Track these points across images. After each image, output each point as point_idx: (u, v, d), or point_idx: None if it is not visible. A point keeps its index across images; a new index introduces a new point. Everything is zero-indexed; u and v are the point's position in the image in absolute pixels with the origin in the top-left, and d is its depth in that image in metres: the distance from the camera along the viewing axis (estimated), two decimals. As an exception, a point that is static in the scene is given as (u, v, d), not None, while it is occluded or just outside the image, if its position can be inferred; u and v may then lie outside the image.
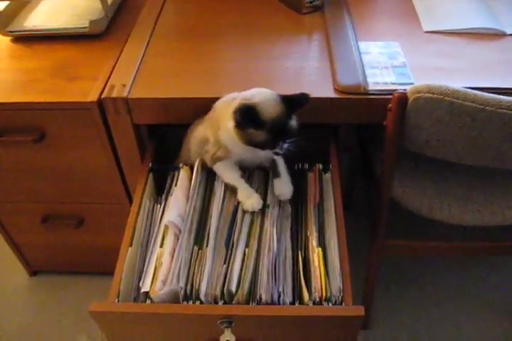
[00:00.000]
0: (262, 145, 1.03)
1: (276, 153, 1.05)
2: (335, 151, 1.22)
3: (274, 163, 1.15)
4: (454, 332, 1.59)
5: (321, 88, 1.18)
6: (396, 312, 1.65)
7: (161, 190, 1.18)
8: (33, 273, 1.79)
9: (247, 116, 0.99)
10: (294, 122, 1.03)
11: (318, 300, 0.96)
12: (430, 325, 1.62)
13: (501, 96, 0.97)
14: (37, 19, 1.44)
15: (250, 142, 1.03)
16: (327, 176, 1.18)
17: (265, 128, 1.00)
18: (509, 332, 1.59)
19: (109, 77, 1.24)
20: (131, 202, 1.25)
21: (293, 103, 1.02)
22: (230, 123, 1.03)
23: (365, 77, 1.19)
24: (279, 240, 1.03)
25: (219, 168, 1.13)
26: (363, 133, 1.49)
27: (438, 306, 1.66)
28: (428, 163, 1.32)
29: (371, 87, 1.17)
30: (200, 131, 1.16)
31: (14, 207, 1.50)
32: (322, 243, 1.05)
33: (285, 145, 1.03)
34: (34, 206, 1.49)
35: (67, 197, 1.45)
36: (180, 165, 1.19)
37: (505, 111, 0.97)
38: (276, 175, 1.14)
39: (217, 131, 1.09)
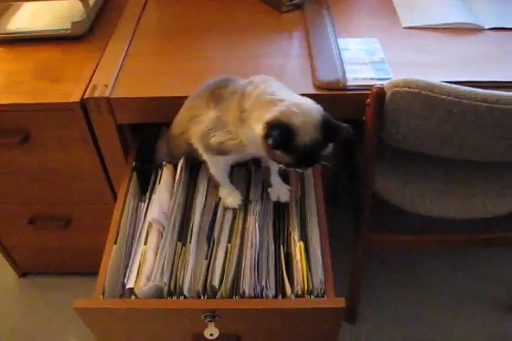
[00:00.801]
0: (285, 164, 0.95)
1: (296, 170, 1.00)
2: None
3: (267, 170, 1.16)
4: (441, 323, 1.61)
5: (301, 84, 1.19)
6: (383, 306, 1.66)
7: (145, 188, 1.19)
8: (22, 274, 1.79)
9: (280, 139, 0.89)
10: (327, 150, 0.94)
11: (300, 293, 0.97)
12: (417, 317, 1.63)
13: (476, 89, 0.99)
14: (20, 22, 1.45)
15: (274, 157, 0.95)
16: (308, 171, 1.19)
17: (295, 153, 0.92)
18: (495, 322, 1.61)
19: (91, 78, 1.25)
20: (116, 201, 1.26)
21: (333, 131, 0.93)
22: (259, 129, 0.92)
23: (344, 73, 1.21)
24: (261, 235, 1.04)
25: (214, 161, 1.10)
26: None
27: (424, 299, 1.68)
28: (410, 158, 1.34)
29: (350, 83, 1.18)
30: (209, 115, 1.05)
31: (1, 209, 1.50)
32: (304, 237, 1.06)
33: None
34: (21, 208, 1.50)
35: (54, 198, 1.46)
36: (164, 163, 1.20)
37: (480, 103, 0.99)
38: (269, 184, 1.14)
39: (240, 125, 0.98)
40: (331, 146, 0.94)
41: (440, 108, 1.02)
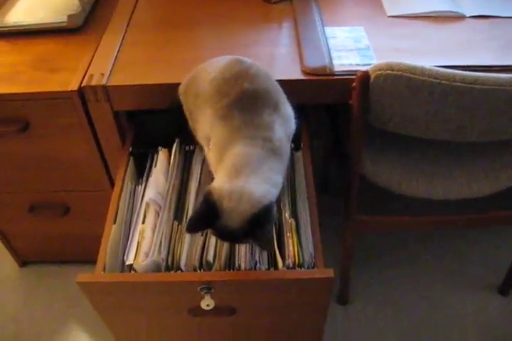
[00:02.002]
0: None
1: None
2: (305, 131, 1.29)
3: None
4: (432, 304, 1.67)
5: (289, 71, 1.24)
6: (374, 288, 1.72)
7: (142, 173, 1.24)
8: (23, 263, 1.84)
9: (201, 215, 0.91)
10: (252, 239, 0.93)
11: (291, 266, 1.02)
12: (408, 298, 1.69)
13: (455, 71, 1.04)
14: (16, 16, 1.48)
15: None
16: (298, 154, 1.24)
17: (215, 230, 0.92)
18: (484, 303, 1.67)
19: (88, 67, 1.30)
20: (114, 187, 1.31)
21: (259, 228, 0.89)
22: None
23: (330, 59, 1.26)
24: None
25: None
26: (333, 114, 1.56)
27: (415, 281, 1.74)
28: (397, 141, 1.39)
29: (337, 69, 1.23)
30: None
31: (1, 198, 1.55)
32: (294, 215, 1.11)
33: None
34: (20, 196, 1.54)
35: (53, 186, 1.50)
36: (159, 148, 1.25)
37: (459, 84, 1.04)
38: None
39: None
40: (262, 234, 0.90)
41: (422, 89, 1.07)
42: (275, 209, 0.91)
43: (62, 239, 1.70)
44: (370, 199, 1.48)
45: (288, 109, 1.06)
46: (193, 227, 0.92)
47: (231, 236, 0.91)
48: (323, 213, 1.12)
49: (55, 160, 1.41)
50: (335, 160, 1.66)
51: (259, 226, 0.88)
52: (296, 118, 1.08)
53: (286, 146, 1.02)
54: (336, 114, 1.57)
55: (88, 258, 1.71)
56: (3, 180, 1.48)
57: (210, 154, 1.01)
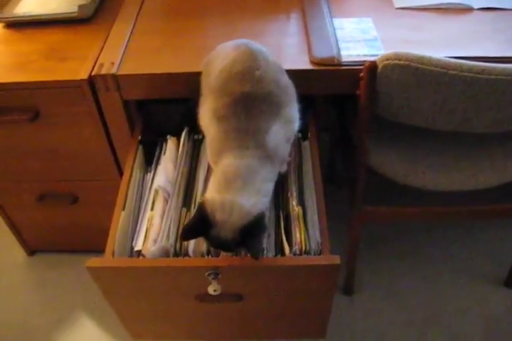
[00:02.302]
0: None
1: None
2: (313, 122, 1.30)
3: None
4: (436, 295, 1.68)
5: (298, 61, 1.25)
6: (380, 278, 1.73)
7: (150, 162, 1.26)
8: (31, 252, 1.86)
9: (195, 225, 0.95)
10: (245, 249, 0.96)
11: (298, 253, 1.04)
12: (413, 289, 1.70)
13: (462, 61, 1.05)
14: (27, 6, 1.50)
15: None
16: (306, 143, 1.26)
17: (208, 240, 0.96)
18: (488, 295, 1.67)
19: (98, 57, 1.31)
20: (122, 176, 1.32)
21: (250, 239, 0.92)
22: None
23: (338, 50, 1.27)
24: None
25: None
26: (340, 107, 1.57)
27: (420, 272, 1.75)
28: (404, 132, 1.40)
29: (344, 59, 1.24)
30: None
31: (11, 187, 1.57)
32: (302, 202, 1.12)
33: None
34: (30, 185, 1.56)
35: (61, 175, 1.52)
36: (168, 136, 1.27)
37: (466, 74, 1.05)
38: None
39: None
40: (252, 243, 0.92)
41: (429, 79, 1.08)
42: (266, 218, 0.95)
43: (70, 228, 1.72)
44: (376, 190, 1.50)
45: (292, 111, 1.07)
46: (188, 236, 0.97)
47: (224, 246, 0.95)
48: (329, 203, 1.13)
49: (64, 149, 1.43)
50: (341, 151, 1.67)
51: (250, 236, 0.91)
52: (300, 118, 1.09)
53: (284, 148, 1.04)
54: (343, 107, 1.58)
55: (96, 247, 1.72)
56: (13, 169, 1.50)
57: (207, 149, 1.05)
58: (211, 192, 0.96)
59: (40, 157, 1.46)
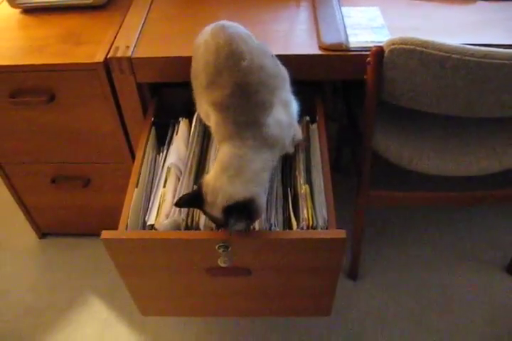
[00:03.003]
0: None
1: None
2: (321, 106, 1.34)
3: None
4: (440, 282, 1.72)
5: (307, 47, 1.29)
6: (385, 264, 1.77)
7: (163, 144, 1.30)
8: (42, 235, 1.90)
9: (192, 200, 1.04)
10: (238, 227, 1.01)
11: (305, 228, 1.07)
12: (417, 276, 1.74)
13: (466, 45, 1.09)
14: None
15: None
16: (314, 126, 1.29)
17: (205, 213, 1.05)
18: (492, 282, 1.71)
19: (113, 41, 1.36)
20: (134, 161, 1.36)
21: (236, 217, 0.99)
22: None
23: (346, 36, 1.31)
24: (271, 179, 1.14)
25: None
26: (347, 95, 1.61)
27: (425, 259, 1.79)
28: (408, 118, 1.44)
29: (352, 45, 1.28)
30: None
31: (25, 169, 1.61)
32: (309, 181, 1.16)
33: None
34: (44, 167, 1.60)
35: (75, 157, 1.56)
36: (180, 118, 1.31)
37: (469, 58, 1.09)
38: None
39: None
40: (241, 224, 1.00)
41: (434, 63, 1.12)
42: (257, 204, 1.00)
43: (81, 211, 1.76)
44: (381, 175, 1.53)
45: (285, 94, 1.11)
46: (181, 204, 1.06)
47: (215, 221, 1.04)
48: (335, 191, 1.16)
49: (78, 131, 1.47)
50: (348, 140, 1.70)
51: (231, 216, 0.98)
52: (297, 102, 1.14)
53: (285, 134, 1.08)
54: (349, 94, 1.62)
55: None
56: (28, 151, 1.55)
57: (213, 133, 1.09)
58: (210, 176, 1.03)
59: (55, 138, 1.50)
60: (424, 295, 1.68)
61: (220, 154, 1.04)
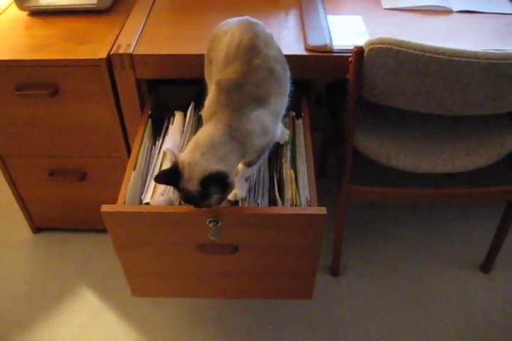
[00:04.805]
0: (181, 199, 1.12)
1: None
2: (306, 103, 1.45)
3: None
4: (418, 278, 1.81)
5: (294, 48, 1.41)
6: (366, 261, 1.86)
7: (159, 136, 1.40)
8: (37, 230, 1.97)
9: (169, 174, 1.09)
10: (212, 201, 1.09)
11: (289, 207, 1.17)
12: (396, 272, 1.83)
13: (437, 45, 1.21)
14: (53, -2, 1.66)
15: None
16: (299, 121, 1.40)
17: (181, 192, 1.09)
18: (465, 278, 1.80)
19: (115, 41, 1.46)
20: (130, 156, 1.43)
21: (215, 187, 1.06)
22: None
23: (331, 40, 1.43)
24: (258, 167, 1.23)
25: None
26: (331, 94, 1.72)
27: (404, 256, 1.88)
28: (389, 119, 1.55)
29: (336, 47, 1.40)
30: None
31: (24, 162, 1.69)
32: (294, 168, 1.26)
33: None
34: (42, 160, 1.68)
35: (73, 151, 1.65)
36: (175, 112, 1.41)
37: (440, 56, 1.20)
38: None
39: None
40: (214, 198, 1.08)
41: (408, 61, 1.23)
42: (230, 179, 1.07)
43: (76, 205, 1.83)
44: (362, 172, 1.63)
45: (277, 105, 1.19)
46: (160, 180, 1.11)
47: (191, 198, 1.08)
48: (320, 195, 1.23)
49: (78, 125, 1.56)
50: (332, 143, 1.80)
51: (209, 186, 1.05)
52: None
53: (258, 139, 1.13)
54: (334, 101, 1.72)
55: (100, 226, 1.85)
56: (28, 144, 1.63)
57: (203, 112, 1.17)
58: (185, 154, 1.09)
59: (55, 132, 1.59)
60: (404, 289, 1.77)
61: (199, 132, 1.11)
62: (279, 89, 1.18)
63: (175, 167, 1.08)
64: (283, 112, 1.22)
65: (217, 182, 1.06)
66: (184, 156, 1.08)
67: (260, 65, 1.14)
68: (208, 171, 1.05)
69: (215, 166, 1.06)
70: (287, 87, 1.23)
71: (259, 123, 1.11)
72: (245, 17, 1.23)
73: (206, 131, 1.10)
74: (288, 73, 1.24)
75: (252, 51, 1.14)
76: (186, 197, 1.08)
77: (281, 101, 1.21)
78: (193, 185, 1.06)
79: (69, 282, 1.80)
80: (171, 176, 1.08)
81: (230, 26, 1.22)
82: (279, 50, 1.23)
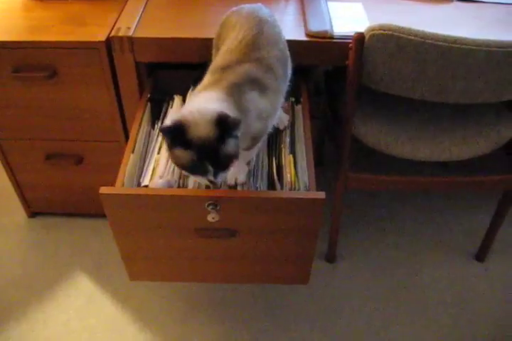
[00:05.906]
0: (190, 169, 1.03)
1: (211, 182, 1.06)
2: (305, 89, 1.45)
3: None
4: (413, 266, 1.83)
5: (295, 34, 1.41)
6: (362, 249, 1.87)
7: (158, 120, 1.39)
8: (32, 214, 1.96)
9: (173, 133, 1.00)
10: (228, 147, 1.01)
11: (288, 191, 1.17)
12: (391, 260, 1.84)
13: (438, 32, 1.21)
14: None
15: (177, 163, 1.04)
16: (298, 107, 1.40)
17: (191, 148, 1.00)
18: (461, 268, 1.82)
19: (115, 23, 1.45)
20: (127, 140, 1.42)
21: (227, 125, 0.99)
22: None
23: (331, 26, 1.42)
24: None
25: None
26: (330, 81, 1.72)
27: (400, 245, 1.89)
28: (388, 106, 1.55)
29: (336, 33, 1.40)
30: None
31: (20, 145, 1.68)
32: (293, 153, 1.26)
33: (221, 176, 1.04)
34: (39, 144, 1.68)
35: (70, 135, 1.64)
36: (175, 96, 1.40)
37: (441, 43, 1.20)
38: None
39: None
40: (231, 143, 1.00)
41: (409, 48, 1.23)
42: (237, 122, 1.00)
43: (72, 190, 1.83)
44: (360, 159, 1.64)
45: (272, 100, 1.17)
46: (166, 130, 1.00)
47: (204, 150, 1.00)
48: (318, 183, 1.23)
49: (75, 109, 1.56)
50: (330, 131, 1.81)
51: (221, 127, 0.99)
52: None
53: (255, 115, 1.11)
54: (333, 89, 1.73)
55: (96, 211, 1.86)
56: (25, 127, 1.62)
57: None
58: (181, 112, 1.04)
59: (53, 115, 1.58)
60: (399, 277, 1.78)
61: (200, 96, 1.08)
62: (277, 87, 1.19)
63: (180, 120, 1.00)
64: (277, 111, 1.20)
65: (231, 123, 0.98)
66: (188, 108, 1.03)
67: (258, 59, 1.14)
68: (220, 111, 1.00)
69: (218, 108, 1.01)
70: (284, 87, 1.23)
71: (254, 105, 1.10)
72: (257, 8, 1.25)
73: (205, 93, 1.08)
74: (288, 75, 1.25)
75: (252, 47, 1.15)
76: (199, 150, 0.99)
77: (276, 99, 1.19)
78: (205, 129, 0.99)
79: (64, 266, 1.80)
80: (176, 129, 0.99)
81: (240, 19, 1.23)
82: (283, 51, 1.24)
